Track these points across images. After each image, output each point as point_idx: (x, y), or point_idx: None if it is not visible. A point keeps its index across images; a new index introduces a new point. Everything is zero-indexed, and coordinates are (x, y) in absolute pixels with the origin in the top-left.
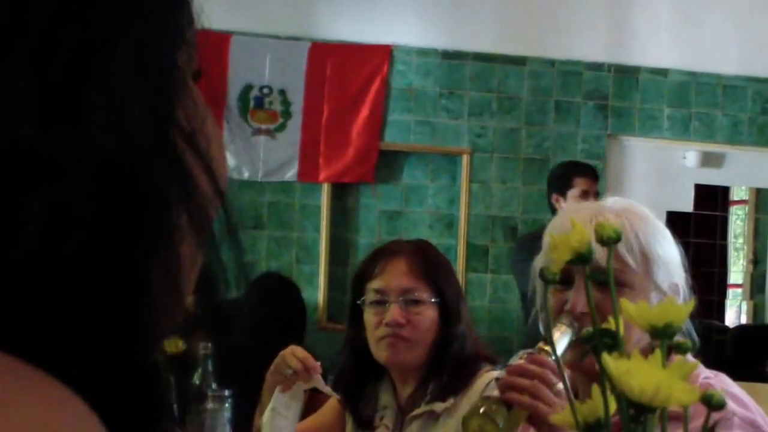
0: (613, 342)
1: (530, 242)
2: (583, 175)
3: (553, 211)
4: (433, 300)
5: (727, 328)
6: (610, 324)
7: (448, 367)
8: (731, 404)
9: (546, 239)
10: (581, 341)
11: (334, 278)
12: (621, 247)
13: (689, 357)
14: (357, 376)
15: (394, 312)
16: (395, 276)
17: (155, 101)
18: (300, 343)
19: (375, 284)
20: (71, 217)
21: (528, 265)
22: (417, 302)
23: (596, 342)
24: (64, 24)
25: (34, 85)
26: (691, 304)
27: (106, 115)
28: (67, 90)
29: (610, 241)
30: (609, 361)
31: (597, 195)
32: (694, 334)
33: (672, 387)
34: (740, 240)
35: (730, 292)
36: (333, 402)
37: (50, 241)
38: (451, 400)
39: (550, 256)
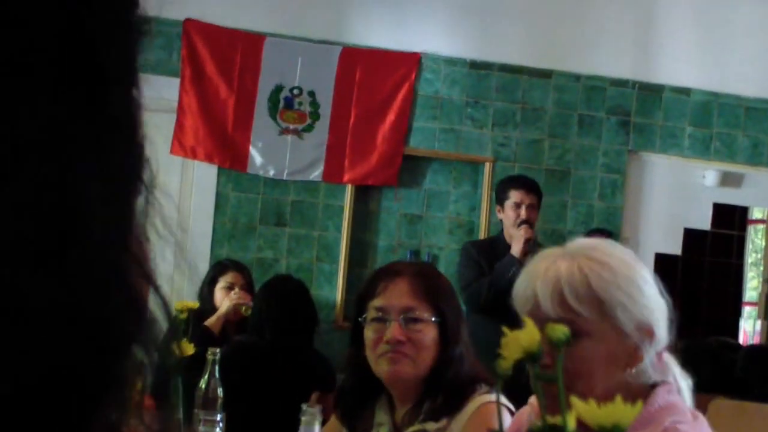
0: None
1: (468, 249)
2: (518, 187)
3: (500, 222)
4: (433, 319)
5: (739, 345)
6: (572, 370)
7: (443, 387)
8: None
9: (517, 286)
10: None
11: (353, 279)
12: (569, 295)
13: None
14: (356, 393)
15: (394, 330)
16: (397, 295)
17: (117, 235)
18: (310, 345)
19: (376, 302)
20: (26, 352)
21: (463, 270)
22: (417, 321)
23: None
24: (45, 184)
25: (4, 229)
26: (639, 407)
27: (80, 258)
28: (44, 234)
29: (559, 343)
30: None
31: (531, 208)
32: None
33: None
34: (757, 257)
35: (745, 310)
36: (333, 420)
37: None
38: (443, 421)
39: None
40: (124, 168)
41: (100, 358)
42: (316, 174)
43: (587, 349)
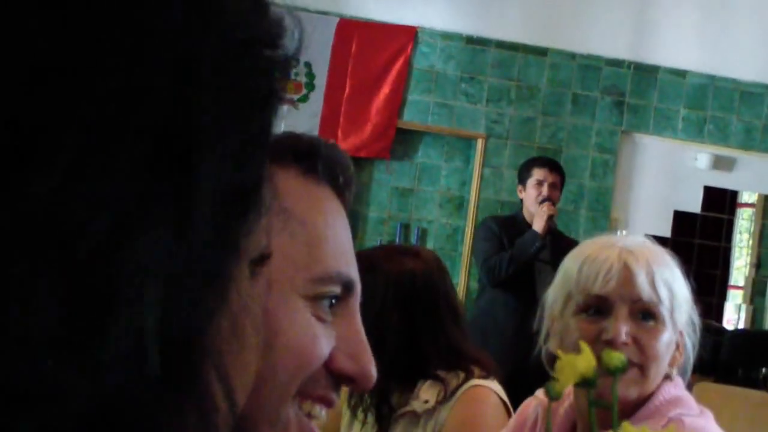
0: None
1: (489, 224)
2: (541, 165)
3: (520, 201)
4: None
5: (724, 330)
6: (648, 352)
7: (437, 370)
8: None
9: (563, 268)
10: None
11: None
12: (658, 280)
13: (677, 378)
14: None
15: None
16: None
17: (180, 324)
18: None
19: None
20: None
21: (483, 244)
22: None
23: None
24: (103, 253)
25: (61, 313)
26: None
27: (126, 351)
28: (92, 322)
29: (616, 371)
30: None
31: (553, 186)
32: (694, 342)
33: None
34: (744, 239)
35: (730, 293)
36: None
37: None
38: (432, 402)
39: (562, 301)
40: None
41: None
42: None
43: (664, 336)
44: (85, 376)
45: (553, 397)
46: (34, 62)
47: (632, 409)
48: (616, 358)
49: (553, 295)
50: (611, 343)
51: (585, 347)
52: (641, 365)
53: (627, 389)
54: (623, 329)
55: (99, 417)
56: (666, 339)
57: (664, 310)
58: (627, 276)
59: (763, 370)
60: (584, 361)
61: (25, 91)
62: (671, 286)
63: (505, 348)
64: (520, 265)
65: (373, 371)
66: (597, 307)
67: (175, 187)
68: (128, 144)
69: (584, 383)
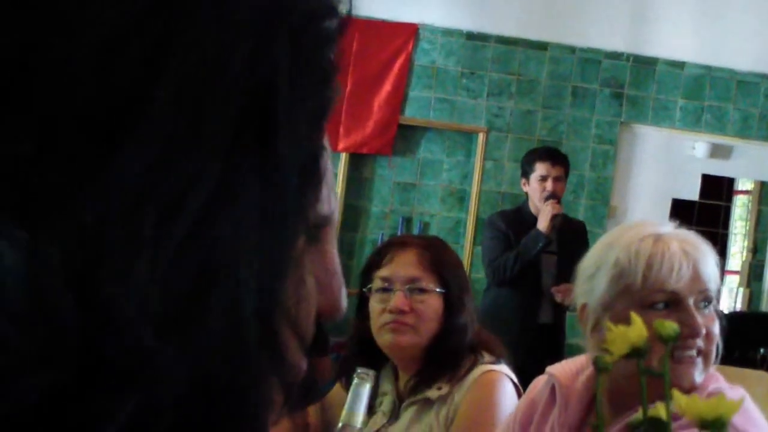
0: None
1: (495, 222)
2: (544, 159)
3: (525, 194)
4: (438, 290)
5: (722, 313)
6: (712, 339)
7: (446, 356)
8: (736, 419)
9: (613, 261)
10: (630, 428)
11: (344, 243)
12: (712, 272)
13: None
14: (361, 363)
15: (398, 299)
16: (403, 265)
17: (266, 291)
18: None
19: (382, 273)
20: (159, 423)
21: (490, 243)
22: (422, 291)
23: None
24: (197, 235)
25: (162, 295)
26: (741, 401)
27: (225, 325)
28: (191, 299)
29: (669, 339)
30: None
31: (558, 180)
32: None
33: None
34: (740, 225)
35: (727, 278)
36: (338, 388)
37: None
38: (445, 389)
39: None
40: (287, 214)
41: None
42: None
43: (718, 320)
44: (185, 353)
45: (602, 369)
46: (120, 37)
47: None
48: (669, 326)
49: (599, 288)
50: (690, 337)
51: (636, 318)
52: (707, 352)
53: (698, 377)
54: (701, 321)
55: (198, 392)
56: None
57: (716, 296)
58: (696, 269)
59: (761, 350)
60: (636, 331)
61: (115, 67)
62: (716, 271)
63: (512, 343)
64: (525, 264)
65: (342, 302)
66: (666, 302)
67: (261, 159)
68: (215, 117)
69: (635, 353)
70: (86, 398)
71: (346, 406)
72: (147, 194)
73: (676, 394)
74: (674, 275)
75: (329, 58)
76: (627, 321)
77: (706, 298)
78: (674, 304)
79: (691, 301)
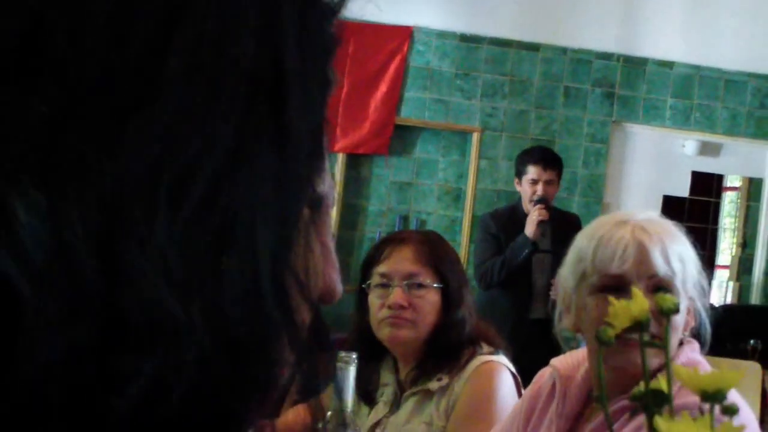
0: (663, 403)
1: (486, 223)
2: (536, 162)
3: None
4: (435, 285)
5: (713, 306)
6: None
7: (446, 349)
8: None
9: (576, 246)
10: (632, 400)
11: (343, 241)
12: (671, 255)
13: (693, 343)
14: (362, 356)
15: (396, 295)
16: (401, 261)
17: (279, 253)
18: None
19: (381, 269)
20: (181, 381)
21: (479, 246)
22: (420, 286)
23: (647, 403)
24: (216, 197)
25: (181, 257)
26: (742, 373)
27: (242, 285)
28: (209, 260)
29: (669, 312)
30: (661, 423)
31: (549, 183)
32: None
33: None
34: (730, 221)
35: (717, 273)
36: None
37: (153, 399)
38: (445, 380)
39: (587, 286)
40: (295, 181)
41: (249, 387)
42: None
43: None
44: (205, 312)
45: (605, 342)
46: (134, 4)
47: (655, 375)
48: (669, 300)
49: (565, 273)
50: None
51: (637, 292)
52: (661, 337)
53: (650, 360)
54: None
55: (218, 350)
56: (681, 309)
57: (678, 282)
58: (642, 254)
59: (752, 341)
60: (638, 305)
61: (129, 34)
62: (683, 257)
63: (506, 339)
64: (512, 269)
65: (337, 286)
66: (614, 286)
67: (274, 124)
68: (228, 83)
69: (637, 326)
70: (109, 358)
71: (333, 393)
72: (164, 158)
73: (677, 367)
74: (617, 259)
75: (332, 31)
76: (586, 307)
77: (660, 284)
78: (621, 288)
79: (640, 287)
